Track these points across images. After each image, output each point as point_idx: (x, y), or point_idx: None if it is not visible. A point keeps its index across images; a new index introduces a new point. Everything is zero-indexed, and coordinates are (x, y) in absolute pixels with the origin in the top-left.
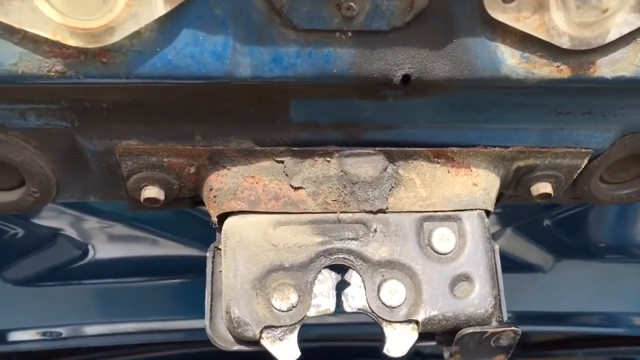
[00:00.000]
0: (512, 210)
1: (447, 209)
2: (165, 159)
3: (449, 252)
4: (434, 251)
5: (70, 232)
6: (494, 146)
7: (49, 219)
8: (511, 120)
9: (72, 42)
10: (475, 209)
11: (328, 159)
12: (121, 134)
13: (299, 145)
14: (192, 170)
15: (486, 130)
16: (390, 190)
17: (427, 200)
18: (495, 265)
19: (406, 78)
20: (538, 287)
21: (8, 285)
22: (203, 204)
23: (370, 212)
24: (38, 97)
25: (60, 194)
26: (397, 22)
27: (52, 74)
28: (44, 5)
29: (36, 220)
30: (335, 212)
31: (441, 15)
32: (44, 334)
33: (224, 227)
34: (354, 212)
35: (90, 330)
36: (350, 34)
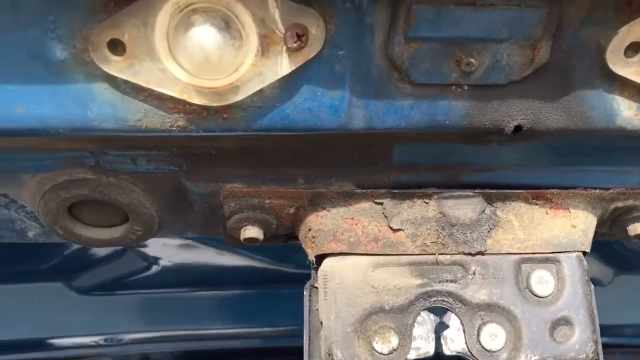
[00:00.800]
0: None
1: (545, 251)
2: (267, 201)
3: (548, 295)
4: (533, 294)
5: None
6: (594, 188)
7: None
8: (614, 163)
9: (197, 100)
10: (574, 251)
11: (427, 200)
12: (226, 178)
13: (399, 187)
14: (292, 210)
15: (587, 172)
16: (488, 232)
17: (525, 242)
18: (593, 308)
19: (518, 128)
20: (598, 300)
21: (72, 294)
22: (296, 239)
23: (469, 254)
24: (151, 145)
25: (161, 231)
26: (515, 77)
27: (174, 128)
28: (174, 67)
29: None
30: (434, 254)
31: (559, 69)
32: (105, 340)
33: (323, 268)
34: (453, 254)
35: (149, 336)
36: (466, 87)
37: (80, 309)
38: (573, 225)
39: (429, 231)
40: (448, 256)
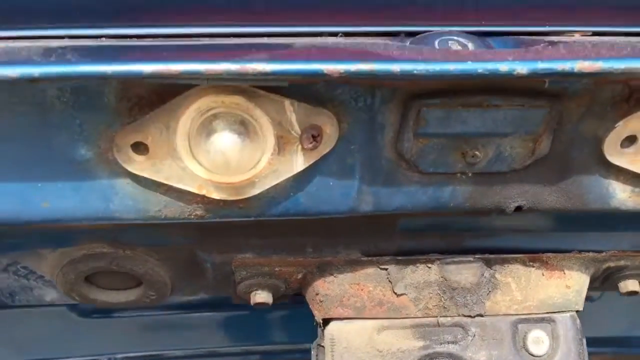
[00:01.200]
0: None
1: (541, 312)
2: (276, 268)
3: (544, 355)
4: (530, 354)
5: None
6: (589, 251)
7: None
8: (608, 229)
9: (215, 195)
10: (568, 311)
11: (429, 265)
12: (239, 248)
13: (403, 253)
14: (300, 276)
15: (582, 236)
16: (487, 294)
17: (522, 304)
18: None
19: (518, 208)
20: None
21: (73, 316)
22: (302, 297)
23: (469, 316)
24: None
25: (174, 293)
26: (517, 165)
27: (192, 217)
28: (194, 165)
29: None
30: (436, 317)
31: (559, 158)
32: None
33: (330, 331)
34: (453, 316)
35: (149, 354)
36: (470, 175)
37: (83, 331)
38: (567, 285)
39: (431, 295)
40: (449, 318)
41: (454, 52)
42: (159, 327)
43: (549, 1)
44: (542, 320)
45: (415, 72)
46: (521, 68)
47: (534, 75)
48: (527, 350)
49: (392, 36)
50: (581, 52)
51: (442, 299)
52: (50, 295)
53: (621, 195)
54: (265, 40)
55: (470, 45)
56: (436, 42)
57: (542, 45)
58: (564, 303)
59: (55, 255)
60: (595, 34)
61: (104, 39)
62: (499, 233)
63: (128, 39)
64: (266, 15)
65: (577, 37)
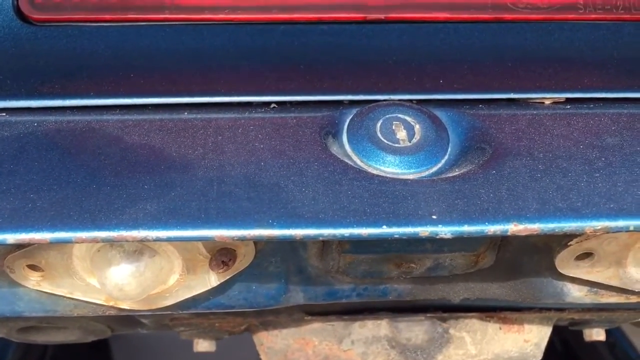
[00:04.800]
0: None
1: None
2: (217, 324)
3: None
4: None
5: None
6: (550, 309)
7: None
8: (569, 304)
9: (125, 306)
10: None
11: (378, 321)
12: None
13: (350, 311)
14: (243, 327)
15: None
16: (439, 349)
17: (475, 358)
18: None
19: (465, 299)
20: None
21: None
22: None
23: None
24: None
25: (115, 333)
26: (459, 272)
27: (106, 314)
28: (96, 282)
29: None
30: None
31: (506, 264)
32: None
33: None
34: None
35: None
36: (409, 277)
37: None
38: (526, 340)
39: (379, 350)
40: None
41: (372, 203)
42: None
43: (517, 64)
44: None
45: (321, 237)
46: (445, 232)
47: (461, 237)
48: None
49: (335, 105)
50: (522, 198)
51: (391, 354)
52: None
53: (577, 294)
54: (171, 141)
55: (417, 128)
56: (378, 124)
57: (481, 169)
58: (520, 357)
59: None
60: (568, 100)
61: None
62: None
63: None
64: (190, 78)
65: (547, 104)
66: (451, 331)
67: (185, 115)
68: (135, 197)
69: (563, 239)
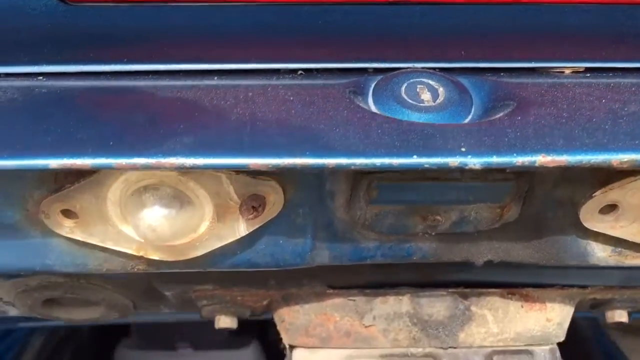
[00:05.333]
0: None
1: (518, 344)
2: (239, 297)
3: None
4: None
5: None
6: (572, 286)
7: None
8: (593, 266)
9: (155, 256)
10: (548, 344)
11: (400, 297)
12: (197, 281)
13: (372, 286)
14: (265, 303)
15: (565, 272)
16: (461, 326)
17: (498, 336)
18: None
19: (488, 262)
20: None
21: None
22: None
23: (441, 348)
24: None
25: (137, 311)
26: (484, 227)
27: (135, 270)
28: (129, 229)
29: None
30: (406, 348)
31: (531, 220)
32: None
33: (295, 359)
34: (424, 347)
35: None
36: (433, 234)
37: None
38: (548, 319)
39: (401, 327)
40: (420, 349)
41: (402, 136)
42: None
43: (536, 33)
44: (518, 352)
45: (353, 167)
46: (474, 163)
47: (489, 169)
48: None
49: (360, 72)
50: (549, 136)
51: (413, 331)
52: (14, 312)
53: (601, 254)
54: (203, 97)
55: (441, 90)
56: (403, 87)
57: (507, 117)
58: (543, 336)
59: (9, 283)
60: (588, 69)
61: None
62: (475, 267)
63: None
64: (218, 49)
65: (567, 73)
66: (473, 308)
67: (215, 80)
68: (171, 133)
69: (588, 190)
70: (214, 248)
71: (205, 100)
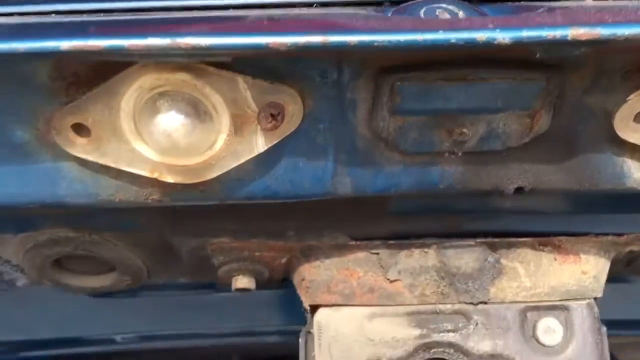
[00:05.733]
0: None
1: (553, 299)
2: (257, 253)
3: (556, 345)
4: (540, 344)
5: None
6: (607, 234)
7: None
8: (629, 210)
9: (169, 178)
10: (584, 299)
11: (426, 250)
12: (213, 233)
13: (395, 237)
14: (284, 260)
15: (599, 218)
16: (491, 280)
17: (531, 290)
18: (605, 353)
19: (519, 189)
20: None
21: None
22: (290, 281)
23: (471, 303)
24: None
25: (151, 278)
26: (513, 144)
27: (149, 201)
28: (143, 147)
29: None
30: (434, 304)
31: (562, 135)
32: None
33: (317, 319)
34: (453, 304)
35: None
36: (460, 154)
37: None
38: (583, 271)
39: (427, 281)
40: (449, 306)
41: (425, 20)
42: (173, 307)
43: None
44: (554, 308)
45: (375, 44)
46: (502, 37)
47: (519, 45)
48: (537, 340)
49: (376, 5)
50: (579, 18)
51: (441, 285)
52: (22, 281)
53: (638, 174)
54: (219, 13)
55: (461, 14)
56: (422, 12)
57: (537, 11)
58: (579, 290)
59: (17, 240)
60: None
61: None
62: (503, 215)
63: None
64: None
65: (589, 2)
66: (503, 261)
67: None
68: (186, 22)
69: (621, 96)
70: (230, 167)
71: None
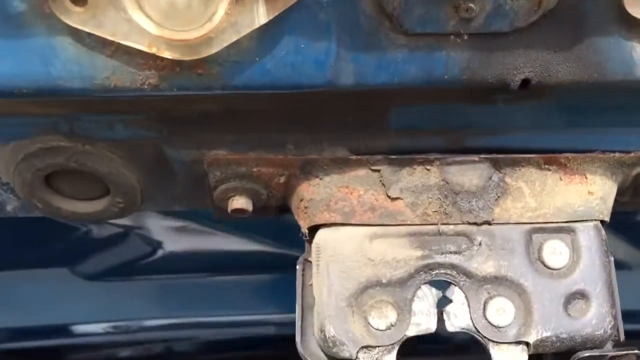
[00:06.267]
0: None
1: (559, 220)
2: (254, 169)
3: (562, 268)
4: (545, 266)
5: (142, 229)
6: (614, 151)
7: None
8: (636, 123)
9: (168, 54)
10: (591, 220)
11: (428, 167)
12: (210, 144)
13: (397, 152)
14: (282, 179)
15: (606, 134)
16: (496, 200)
17: (536, 211)
18: (612, 280)
19: (525, 82)
20: (623, 286)
21: (78, 280)
22: (289, 212)
23: (475, 223)
24: (127, 108)
25: (145, 203)
26: (521, 23)
27: (146, 86)
28: (140, 17)
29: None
30: (436, 224)
31: (570, 14)
32: (113, 327)
33: (315, 240)
34: (456, 224)
35: (156, 323)
36: (466, 37)
37: (86, 295)
38: (590, 192)
39: (430, 200)
40: (452, 226)
41: None
42: (169, 292)
43: None
44: (560, 230)
45: None
46: None
47: None
48: (542, 262)
49: None
50: None
51: (444, 204)
52: (12, 204)
53: None
54: None
55: None
56: None
57: None
58: (586, 211)
59: (8, 149)
60: None
61: None
62: (507, 130)
63: None
64: None
65: None
66: (507, 180)
67: None
68: None
69: None
70: (231, 41)
71: None
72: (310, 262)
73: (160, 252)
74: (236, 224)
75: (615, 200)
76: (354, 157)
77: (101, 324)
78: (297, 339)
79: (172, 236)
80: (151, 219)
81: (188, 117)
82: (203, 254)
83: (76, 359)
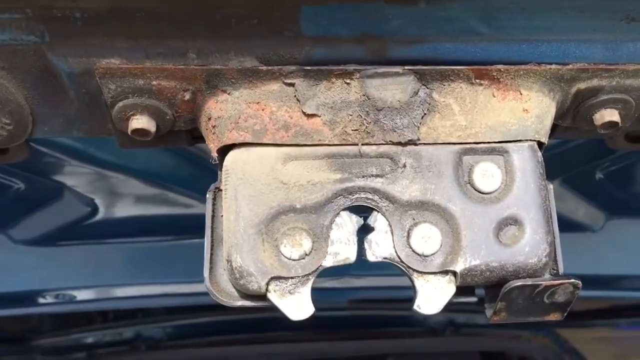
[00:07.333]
0: (559, 160)
1: (491, 140)
2: (154, 82)
3: (494, 191)
4: (476, 190)
5: (77, 186)
6: (550, 63)
7: (52, 172)
8: (572, 30)
9: None
10: (526, 140)
11: (348, 80)
12: (100, 51)
13: (313, 64)
14: (187, 96)
15: (540, 42)
16: (422, 117)
17: (467, 130)
18: (550, 206)
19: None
20: (586, 247)
21: (19, 246)
22: (203, 140)
23: (399, 143)
24: (1, 6)
25: (38, 127)
26: None
27: None
28: None
29: (39, 174)
30: (357, 144)
31: None
32: (56, 296)
33: (224, 163)
34: (379, 144)
35: (101, 293)
36: None
37: (23, 261)
38: (525, 109)
39: (350, 117)
40: (374, 147)
41: None
42: (110, 258)
43: None
44: (492, 150)
45: None
46: None
47: None
48: (472, 186)
49: None
50: None
51: (365, 122)
52: None
53: None
54: None
55: None
56: None
57: None
58: (520, 130)
59: None
60: None
61: None
62: (433, 38)
63: None
64: None
65: None
66: (435, 96)
67: None
68: None
69: None
70: None
71: None
72: (221, 189)
73: (98, 215)
74: (179, 183)
75: (557, 126)
76: (264, 67)
77: (44, 292)
78: (205, 274)
79: (108, 196)
80: (84, 175)
81: (71, 17)
82: (142, 217)
83: None
